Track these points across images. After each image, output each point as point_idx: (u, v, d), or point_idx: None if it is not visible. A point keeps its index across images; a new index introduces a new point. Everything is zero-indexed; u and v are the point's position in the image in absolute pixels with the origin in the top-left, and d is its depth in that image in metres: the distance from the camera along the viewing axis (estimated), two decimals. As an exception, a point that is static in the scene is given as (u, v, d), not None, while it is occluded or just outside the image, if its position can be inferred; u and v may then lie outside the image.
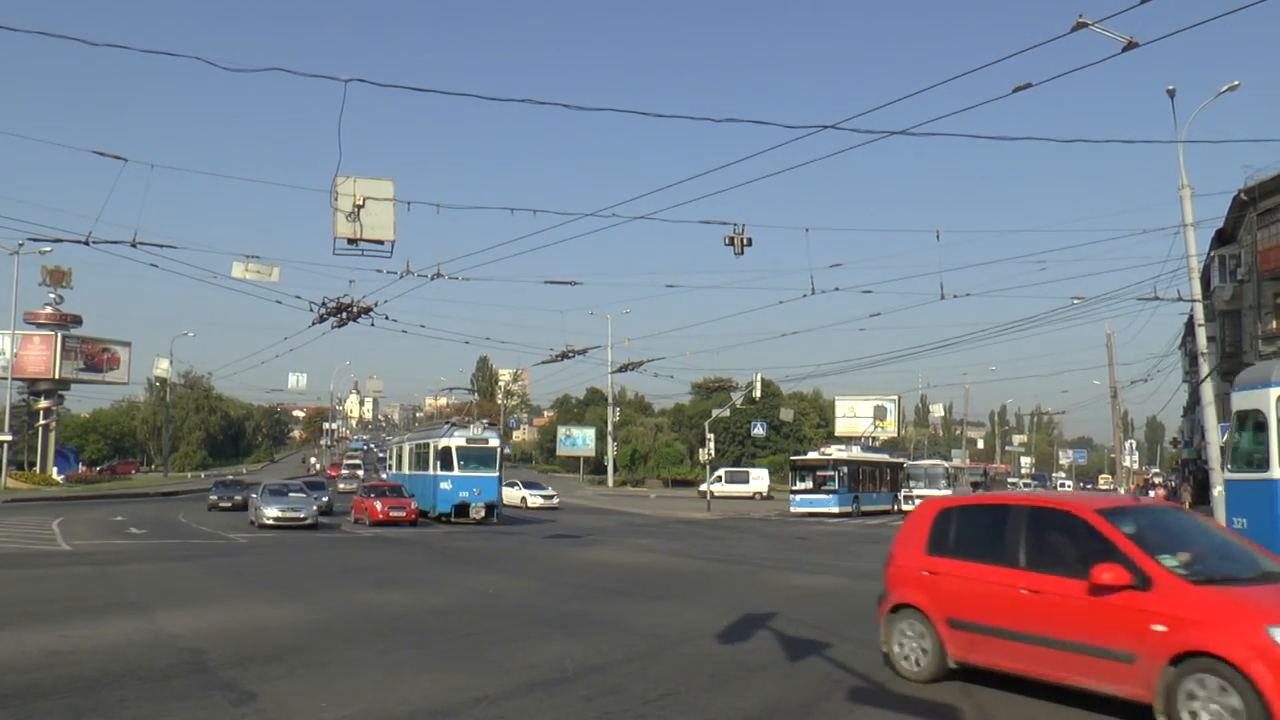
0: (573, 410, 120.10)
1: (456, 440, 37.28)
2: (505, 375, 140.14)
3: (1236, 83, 31.06)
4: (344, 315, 26.38)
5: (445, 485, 36.86)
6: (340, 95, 26.41)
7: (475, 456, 37.12)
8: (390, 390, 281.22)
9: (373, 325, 27.32)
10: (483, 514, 36.63)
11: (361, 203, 18.39)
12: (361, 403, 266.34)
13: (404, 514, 35.39)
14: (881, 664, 9.50)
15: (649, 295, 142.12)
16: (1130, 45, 13.91)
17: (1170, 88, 29.95)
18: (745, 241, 21.98)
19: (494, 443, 38.14)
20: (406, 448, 46.38)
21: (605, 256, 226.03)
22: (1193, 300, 29.64)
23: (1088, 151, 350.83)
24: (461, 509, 36.53)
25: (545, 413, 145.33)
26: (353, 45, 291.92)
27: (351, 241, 18.70)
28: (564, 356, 38.96)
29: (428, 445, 40.06)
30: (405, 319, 37.03)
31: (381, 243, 18.93)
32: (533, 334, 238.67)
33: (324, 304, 26.35)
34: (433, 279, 25.20)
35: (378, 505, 35.48)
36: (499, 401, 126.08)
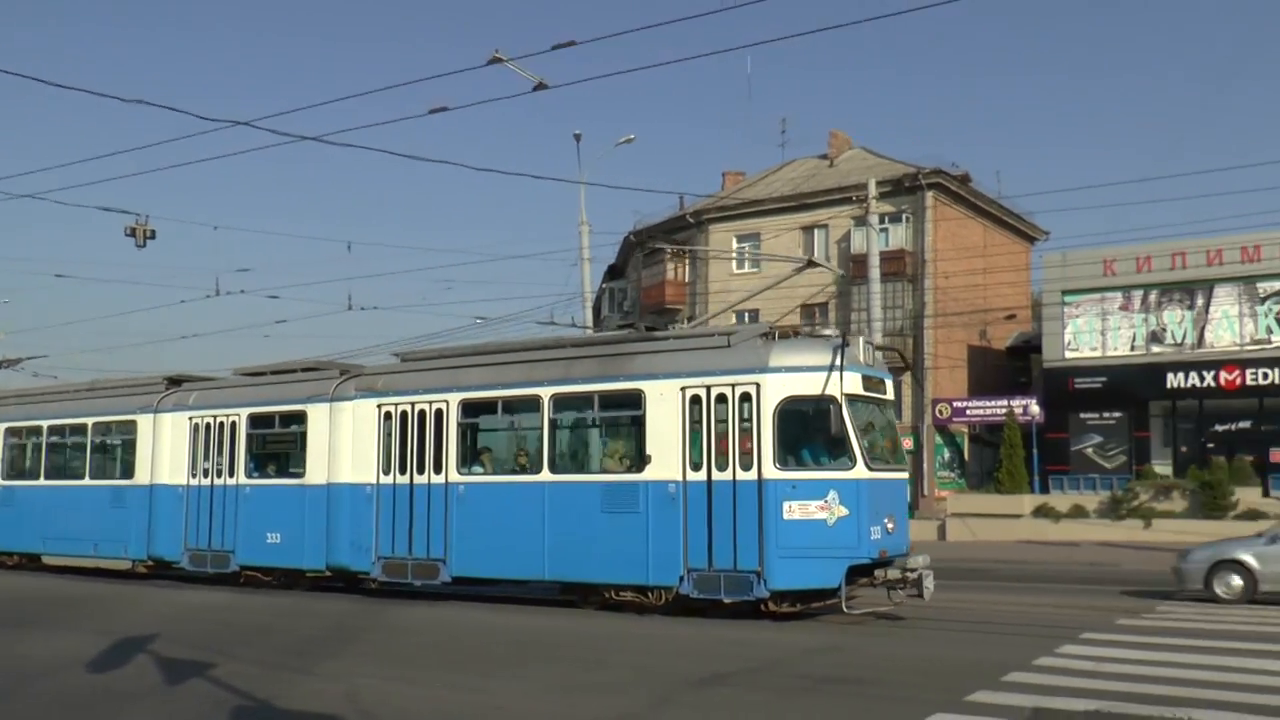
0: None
1: (844, 379, 13.70)
2: None
3: (632, 136, 34.92)
4: None
5: (801, 509, 13.45)
6: None
7: (879, 426, 15.08)
8: None
9: None
10: (923, 583, 14.01)
11: None
12: None
13: None
14: (264, 681, 9.22)
15: (35, 285, 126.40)
16: (540, 86, 15.12)
17: (577, 132, 32.89)
18: (148, 234, 20.43)
19: (891, 391, 15.89)
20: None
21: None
22: (585, 327, 32.67)
23: (500, 179, 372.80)
24: (860, 574, 14.01)
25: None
26: None
27: None
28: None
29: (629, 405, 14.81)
30: None
31: None
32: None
33: None
34: None
35: None
36: None
